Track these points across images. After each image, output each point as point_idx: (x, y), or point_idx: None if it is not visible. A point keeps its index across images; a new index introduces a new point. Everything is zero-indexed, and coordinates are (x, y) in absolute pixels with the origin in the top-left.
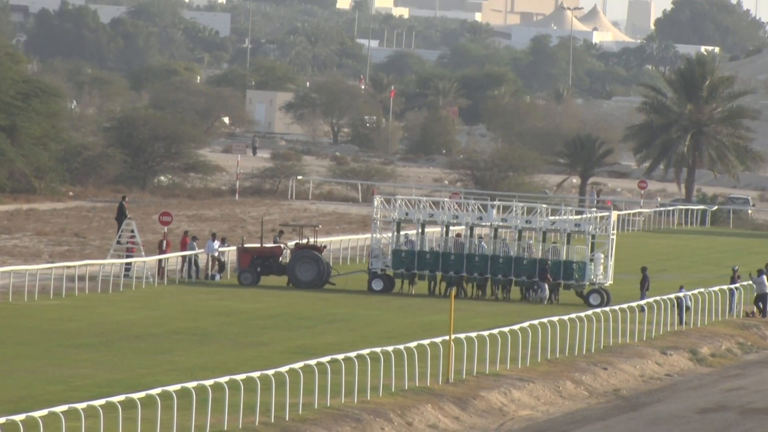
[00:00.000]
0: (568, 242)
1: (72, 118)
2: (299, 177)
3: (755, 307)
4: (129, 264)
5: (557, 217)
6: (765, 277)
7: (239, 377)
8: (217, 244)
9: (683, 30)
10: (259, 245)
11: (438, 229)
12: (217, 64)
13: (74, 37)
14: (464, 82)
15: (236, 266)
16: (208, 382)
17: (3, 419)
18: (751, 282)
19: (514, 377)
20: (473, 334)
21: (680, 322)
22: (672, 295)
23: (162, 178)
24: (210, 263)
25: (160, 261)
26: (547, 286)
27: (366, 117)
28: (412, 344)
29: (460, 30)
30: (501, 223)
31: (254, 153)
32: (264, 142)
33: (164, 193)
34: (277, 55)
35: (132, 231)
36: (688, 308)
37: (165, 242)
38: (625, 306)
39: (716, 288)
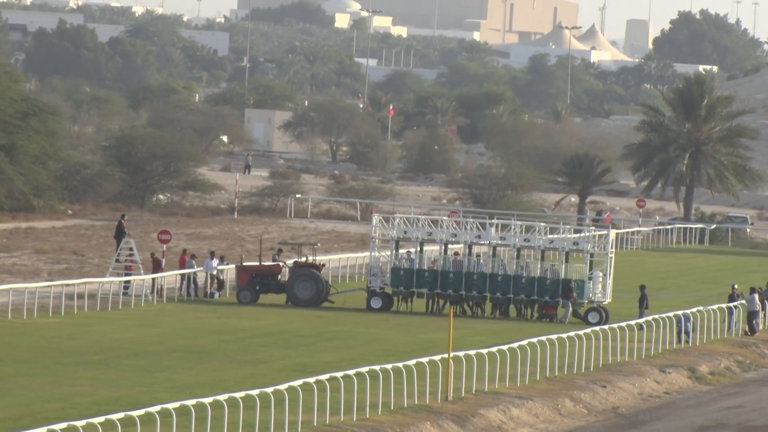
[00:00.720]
0: (567, 260)
1: (70, 137)
2: (298, 195)
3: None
4: (128, 282)
5: (556, 236)
6: (756, 295)
7: (238, 395)
8: (215, 262)
9: (681, 49)
10: (257, 263)
11: (436, 247)
12: (215, 83)
13: (72, 56)
14: (462, 101)
15: (235, 284)
16: (207, 400)
17: None
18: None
19: (513, 395)
20: (472, 352)
21: (679, 341)
22: (671, 313)
23: (160, 196)
24: (209, 281)
25: (153, 280)
26: (570, 304)
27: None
28: (411, 362)
29: (459, 49)
30: (500, 242)
31: (247, 171)
32: (262, 161)
33: (163, 212)
34: (275, 74)
35: (131, 249)
36: (687, 333)
37: (164, 260)
38: (623, 324)
39: (715, 306)
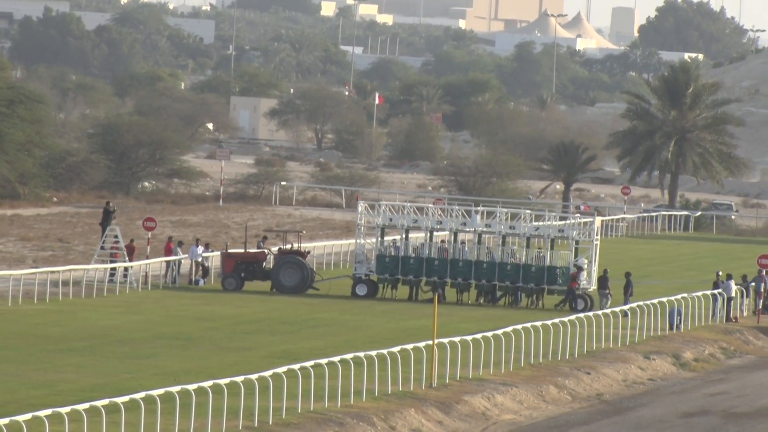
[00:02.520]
0: (552, 248)
1: (56, 125)
2: (283, 183)
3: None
4: (113, 269)
5: (541, 223)
6: (732, 282)
7: (223, 381)
8: (201, 249)
9: (667, 37)
10: (243, 251)
11: (422, 234)
12: (201, 71)
13: (59, 44)
14: (448, 88)
15: (220, 271)
16: (191, 387)
17: None
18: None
19: (498, 382)
20: (456, 339)
21: (671, 328)
22: (656, 300)
23: (146, 183)
24: (194, 268)
25: (126, 268)
26: (608, 293)
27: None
28: (396, 349)
29: (444, 37)
30: (485, 229)
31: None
32: (247, 148)
33: (148, 199)
34: (261, 62)
35: (116, 236)
36: (673, 323)
37: (148, 248)
38: (608, 311)
39: (699, 293)
